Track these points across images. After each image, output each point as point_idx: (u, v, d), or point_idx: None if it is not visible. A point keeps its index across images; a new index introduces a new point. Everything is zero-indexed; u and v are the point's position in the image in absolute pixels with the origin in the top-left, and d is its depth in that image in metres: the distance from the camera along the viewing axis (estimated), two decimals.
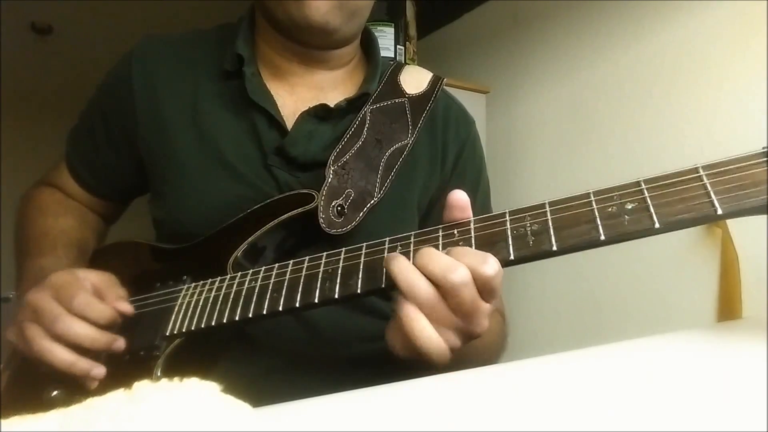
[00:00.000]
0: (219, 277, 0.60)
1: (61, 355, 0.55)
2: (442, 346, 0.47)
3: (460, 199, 0.50)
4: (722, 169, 0.41)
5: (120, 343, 0.58)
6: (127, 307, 0.59)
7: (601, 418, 0.27)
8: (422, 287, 0.46)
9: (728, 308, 1.25)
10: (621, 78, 1.53)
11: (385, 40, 1.56)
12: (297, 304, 0.52)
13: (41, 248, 0.72)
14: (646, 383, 0.32)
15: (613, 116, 1.54)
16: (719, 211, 0.40)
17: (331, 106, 0.69)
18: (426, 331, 0.46)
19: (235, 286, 0.57)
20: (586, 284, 1.56)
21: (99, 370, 0.57)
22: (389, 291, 0.49)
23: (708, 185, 0.41)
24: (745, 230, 1.21)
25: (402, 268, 0.47)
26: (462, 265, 0.45)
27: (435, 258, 0.46)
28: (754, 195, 0.39)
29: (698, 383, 0.31)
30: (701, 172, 0.41)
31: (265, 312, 0.54)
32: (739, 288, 1.23)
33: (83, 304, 0.56)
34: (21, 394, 0.63)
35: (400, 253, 0.50)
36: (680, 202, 0.41)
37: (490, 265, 0.45)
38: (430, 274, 0.46)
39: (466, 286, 0.45)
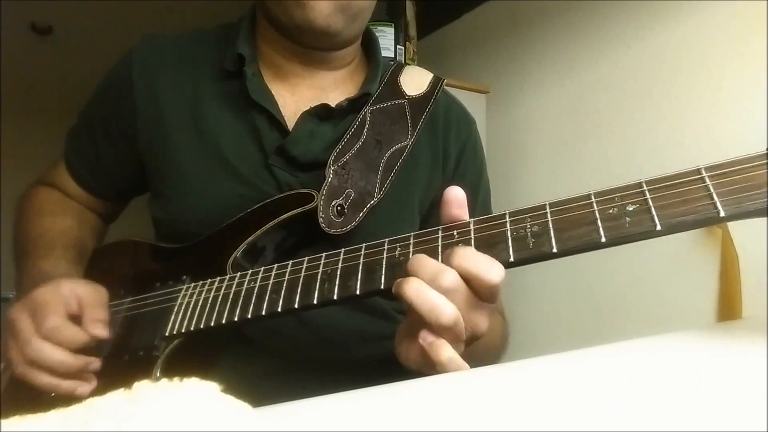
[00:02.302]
0: (218, 278, 0.60)
1: (42, 380, 0.55)
2: (464, 367, 0.45)
3: (456, 195, 0.50)
4: (725, 170, 0.40)
5: (96, 365, 0.57)
6: (101, 332, 0.58)
7: (600, 418, 0.27)
8: (447, 308, 0.44)
9: (728, 308, 1.24)
10: (621, 78, 1.53)
11: (385, 40, 1.56)
12: (296, 305, 0.52)
13: (39, 249, 0.72)
14: (646, 383, 0.32)
15: (613, 116, 1.54)
16: (722, 213, 0.39)
17: (332, 106, 0.69)
18: (454, 362, 0.44)
19: (234, 286, 0.57)
20: (586, 284, 1.56)
21: (84, 389, 0.56)
22: (387, 293, 0.49)
23: (711, 187, 0.40)
24: (745, 230, 1.21)
25: (418, 290, 0.44)
26: (451, 270, 0.44)
27: (423, 264, 0.45)
28: (758, 197, 0.38)
29: (698, 383, 0.31)
30: (704, 174, 0.41)
31: (263, 313, 0.54)
32: (739, 288, 1.23)
33: (53, 329, 0.55)
34: (21, 394, 0.63)
35: (399, 254, 0.50)
36: (682, 204, 0.41)
37: (495, 272, 0.44)
38: (420, 278, 0.45)
39: (455, 291, 0.44)
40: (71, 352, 0.56)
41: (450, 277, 0.44)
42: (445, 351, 0.44)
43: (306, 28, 0.66)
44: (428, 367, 0.45)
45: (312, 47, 0.71)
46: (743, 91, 1.26)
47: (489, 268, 0.44)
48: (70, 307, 0.58)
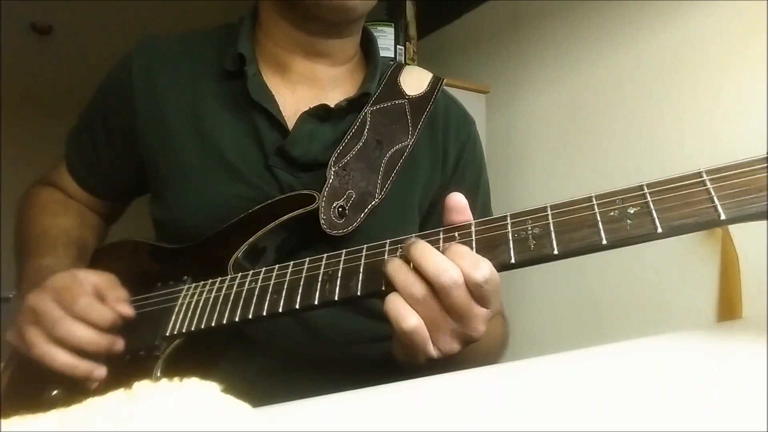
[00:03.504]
0: (219, 278, 0.60)
1: (63, 359, 0.55)
2: (414, 321, 0.46)
3: (458, 201, 0.50)
4: (726, 173, 0.40)
5: (120, 344, 0.58)
6: (128, 310, 0.59)
7: (601, 418, 0.27)
8: (417, 285, 0.46)
9: (728, 308, 1.25)
10: (621, 78, 1.53)
11: (385, 40, 1.56)
12: (297, 306, 0.52)
13: (41, 248, 0.72)
14: (646, 383, 0.32)
15: (613, 116, 1.54)
16: (723, 217, 0.39)
17: (332, 106, 0.69)
18: (396, 303, 0.47)
19: (235, 286, 0.57)
20: (586, 284, 1.56)
21: (100, 371, 0.57)
22: (389, 294, 0.49)
23: (711, 190, 0.40)
24: (745, 231, 1.21)
25: (396, 267, 0.47)
26: (456, 267, 0.45)
27: (429, 256, 0.46)
28: (758, 200, 0.38)
29: (698, 383, 0.31)
30: (704, 177, 0.41)
31: (264, 313, 0.54)
32: (739, 288, 1.23)
33: (85, 307, 0.56)
34: (21, 394, 0.63)
35: (401, 255, 0.50)
36: (683, 207, 0.41)
37: (480, 270, 0.45)
38: (423, 272, 0.46)
39: (457, 288, 0.45)
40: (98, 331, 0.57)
41: (454, 274, 0.45)
42: (392, 297, 0.47)
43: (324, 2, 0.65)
44: (410, 355, 0.48)
45: (318, 33, 0.70)
46: (743, 92, 1.26)
47: (475, 265, 0.45)
48: (89, 293, 0.59)
